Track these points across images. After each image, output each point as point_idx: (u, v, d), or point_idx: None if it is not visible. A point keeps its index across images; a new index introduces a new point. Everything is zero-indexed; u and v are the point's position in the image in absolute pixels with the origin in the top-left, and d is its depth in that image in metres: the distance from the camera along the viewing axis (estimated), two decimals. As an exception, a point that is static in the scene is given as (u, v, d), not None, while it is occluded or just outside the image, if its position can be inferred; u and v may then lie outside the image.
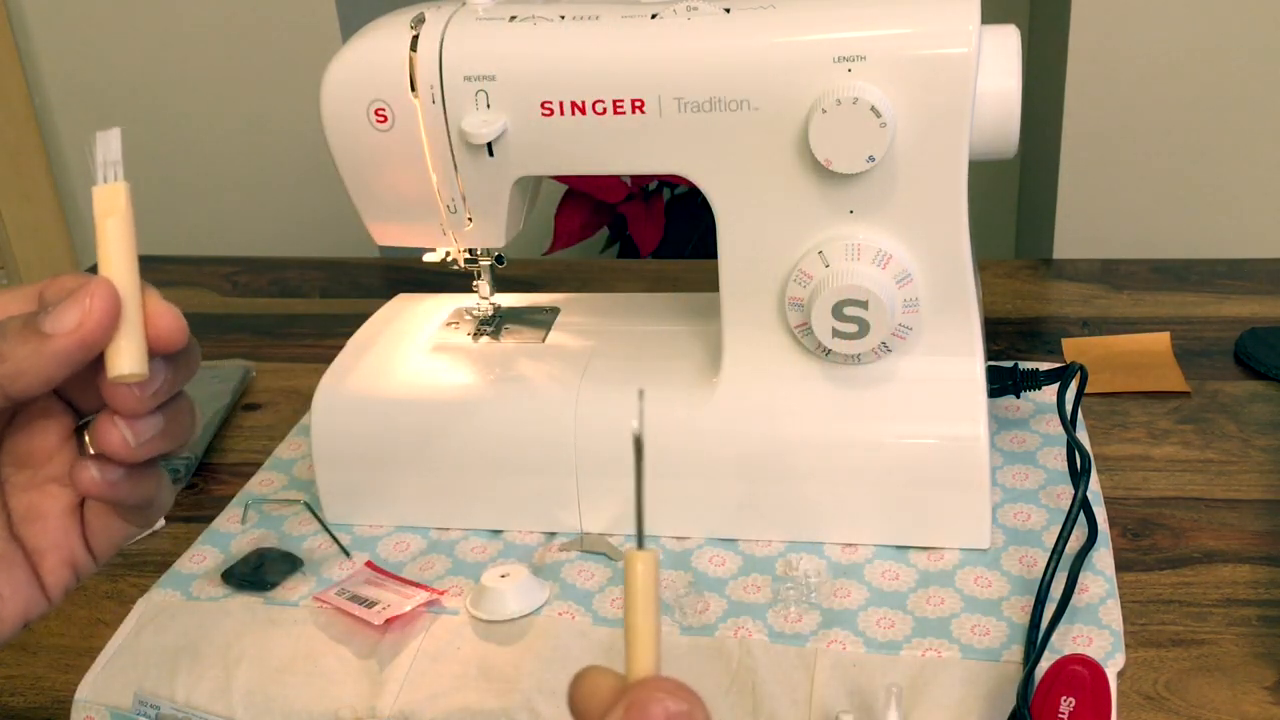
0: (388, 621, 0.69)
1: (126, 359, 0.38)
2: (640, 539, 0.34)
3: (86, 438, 0.42)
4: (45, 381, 0.38)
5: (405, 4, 0.74)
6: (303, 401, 0.93)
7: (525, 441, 0.75)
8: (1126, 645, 0.65)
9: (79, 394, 0.42)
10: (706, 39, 0.68)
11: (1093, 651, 0.64)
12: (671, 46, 0.68)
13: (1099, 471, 0.79)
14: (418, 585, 0.72)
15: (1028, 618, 0.67)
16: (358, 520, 0.79)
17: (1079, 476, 0.73)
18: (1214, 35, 1.40)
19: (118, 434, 0.40)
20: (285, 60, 1.71)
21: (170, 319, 0.39)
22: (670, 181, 1.78)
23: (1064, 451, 0.80)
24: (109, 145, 0.38)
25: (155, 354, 0.39)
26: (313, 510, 0.80)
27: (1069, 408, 0.78)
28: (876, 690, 0.63)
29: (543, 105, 0.69)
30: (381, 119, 0.71)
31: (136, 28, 1.73)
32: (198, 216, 1.85)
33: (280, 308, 1.12)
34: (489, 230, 0.75)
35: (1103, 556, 0.71)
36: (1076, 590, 0.68)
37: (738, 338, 0.74)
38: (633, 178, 1.73)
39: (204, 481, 0.86)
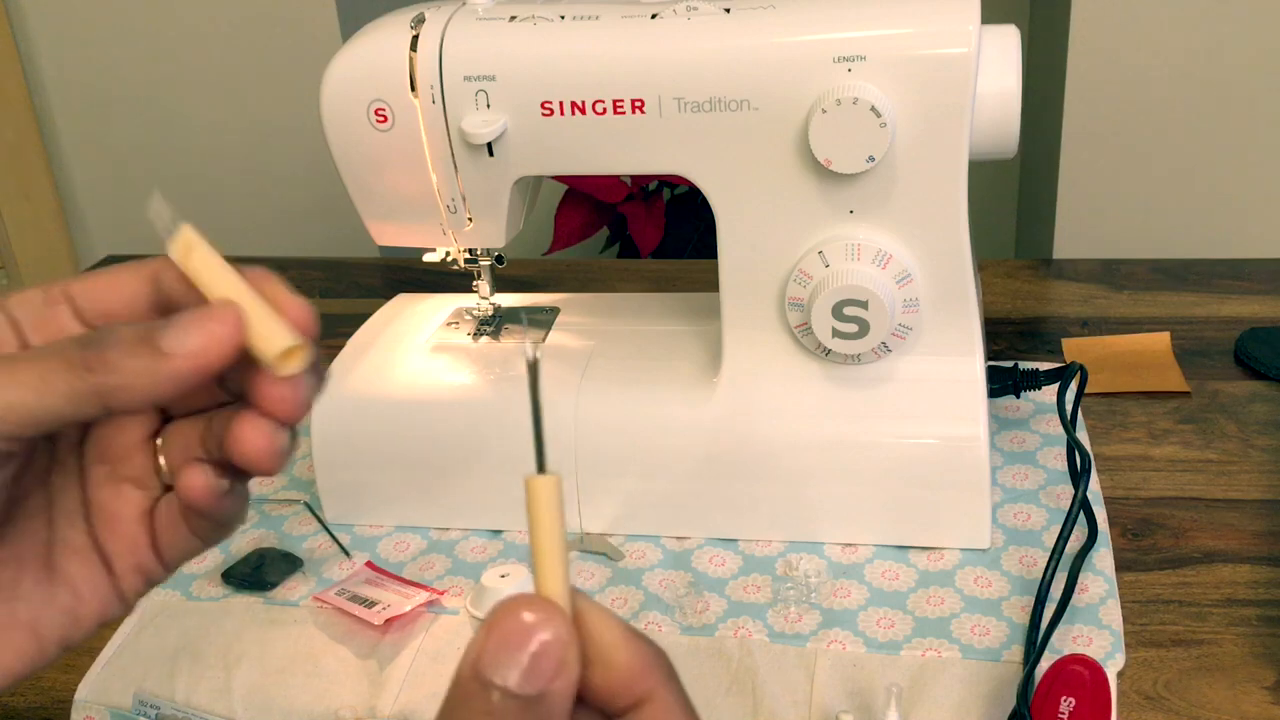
0: (388, 621, 0.69)
1: (279, 336, 0.35)
2: (541, 464, 0.34)
3: (159, 443, 0.39)
4: (152, 400, 0.35)
5: (405, 4, 0.74)
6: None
7: (525, 441, 0.75)
8: (1126, 645, 0.65)
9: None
10: (706, 39, 0.68)
11: (1093, 651, 0.64)
12: (671, 46, 0.68)
13: (1099, 471, 0.79)
14: (418, 585, 0.72)
15: (1028, 618, 0.67)
16: (358, 520, 0.79)
17: (1079, 476, 0.73)
18: (1214, 36, 1.40)
19: (264, 439, 0.36)
20: (285, 60, 1.71)
21: (301, 306, 0.36)
22: (670, 181, 1.78)
23: (1064, 451, 0.80)
24: (159, 212, 0.36)
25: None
26: (313, 510, 0.80)
27: (1069, 408, 0.78)
28: (876, 690, 0.63)
29: (543, 105, 0.69)
30: (381, 119, 0.71)
31: (136, 28, 1.73)
32: (198, 216, 1.85)
33: (280, 308, 1.12)
34: (489, 230, 0.75)
35: (1103, 556, 0.71)
36: (1076, 590, 0.68)
37: (738, 338, 0.74)
38: (633, 178, 1.73)
39: (204, 481, 0.86)
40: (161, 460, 0.39)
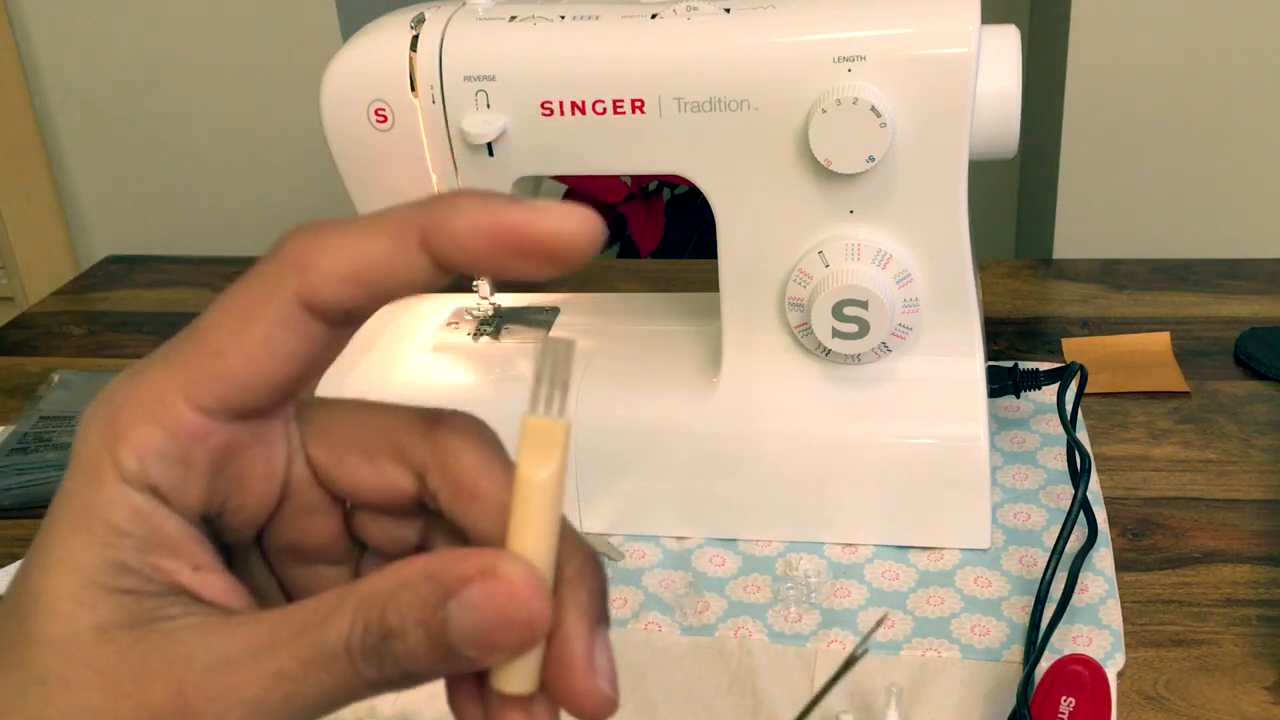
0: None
1: (518, 677, 0.28)
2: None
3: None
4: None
5: (405, 4, 0.74)
6: (303, 401, 0.93)
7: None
8: (1126, 645, 0.65)
9: None
10: (706, 39, 0.68)
11: (1093, 651, 0.64)
12: (671, 46, 0.68)
13: (1099, 471, 0.79)
14: (418, 585, 0.72)
15: (1028, 618, 0.67)
16: (358, 520, 0.79)
17: (1079, 476, 0.73)
18: (1214, 36, 1.40)
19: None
20: (285, 60, 1.71)
21: (599, 689, 0.28)
22: (670, 181, 1.78)
23: (1064, 451, 0.80)
24: (560, 360, 0.27)
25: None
26: (313, 510, 0.80)
27: (1069, 408, 0.78)
28: (876, 690, 0.63)
29: (543, 105, 0.69)
30: (381, 119, 0.71)
31: (136, 28, 1.73)
32: (198, 216, 1.86)
33: (280, 308, 1.12)
34: (489, 230, 0.75)
35: (1103, 556, 0.71)
36: (1076, 590, 0.68)
37: (738, 338, 0.74)
38: (633, 178, 1.73)
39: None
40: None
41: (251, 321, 0.28)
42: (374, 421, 0.30)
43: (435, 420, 0.30)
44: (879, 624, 0.29)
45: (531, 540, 0.27)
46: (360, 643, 0.26)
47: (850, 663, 0.30)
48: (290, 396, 0.29)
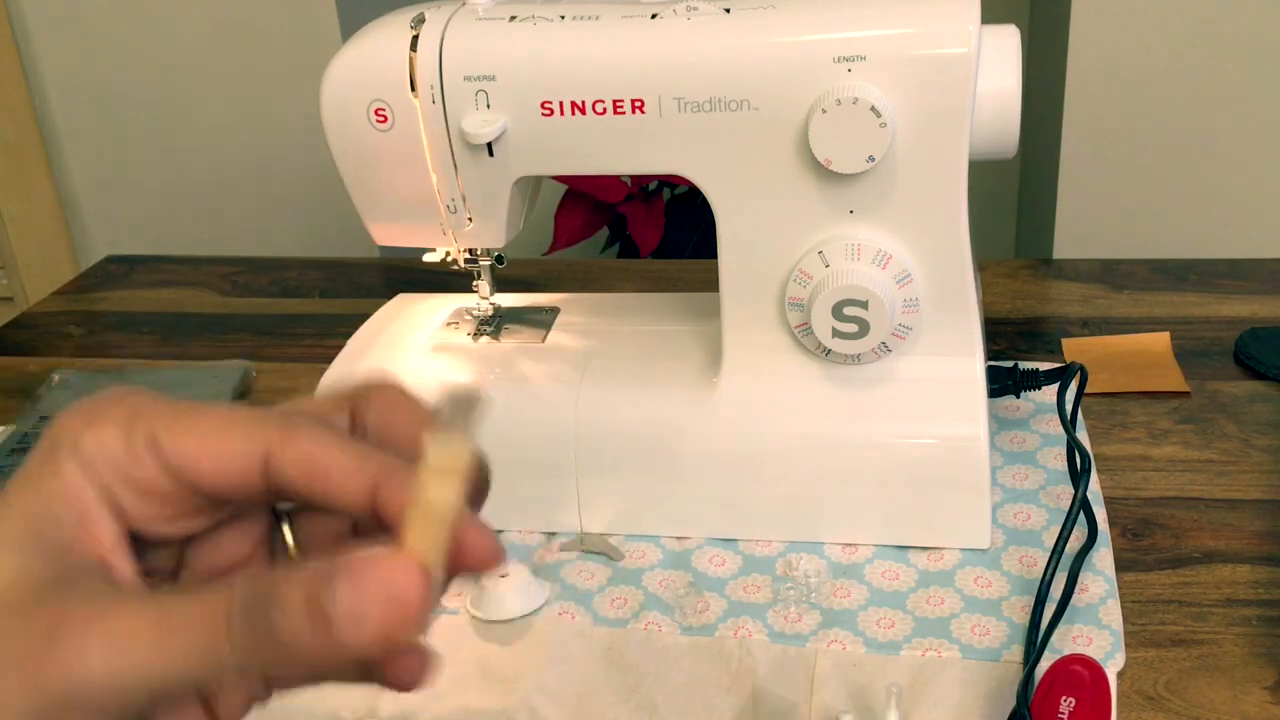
0: (388, 621, 0.69)
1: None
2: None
3: (287, 530, 0.34)
4: (323, 680, 0.31)
5: (405, 4, 0.74)
6: (303, 401, 0.93)
7: (525, 441, 0.75)
8: (1126, 645, 0.65)
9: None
10: (706, 39, 0.68)
11: (1093, 651, 0.64)
12: (671, 46, 0.68)
13: (1099, 471, 0.79)
14: (418, 585, 0.72)
15: (1028, 618, 0.67)
16: (358, 520, 0.79)
17: (1079, 476, 0.73)
18: (1214, 36, 1.40)
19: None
20: (285, 60, 1.71)
21: (488, 546, 0.31)
22: (670, 181, 1.78)
23: (1064, 451, 0.80)
24: (461, 403, 0.32)
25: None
26: (313, 510, 0.80)
27: (1069, 408, 0.78)
28: (876, 690, 0.63)
29: (543, 105, 0.69)
30: (381, 119, 0.71)
31: (136, 28, 1.73)
32: (198, 216, 1.86)
33: (280, 308, 1.12)
34: (489, 230, 0.75)
35: (1103, 556, 0.71)
36: (1076, 590, 0.68)
37: (738, 338, 0.74)
38: (633, 178, 1.73)
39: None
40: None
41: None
42: (226, 414, 0.32)
43: (282, 413, 0.32)
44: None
45: (425, 543, 0.29)
46: (241, 603, 0.28)
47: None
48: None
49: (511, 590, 0.70)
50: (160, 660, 0.28)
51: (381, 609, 0.27)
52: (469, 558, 0.30)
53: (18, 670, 0.28)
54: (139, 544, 0.32)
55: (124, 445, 0.31)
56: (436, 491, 0.30)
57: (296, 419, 0.31)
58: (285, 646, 0.28)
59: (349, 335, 0.83)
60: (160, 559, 0.34)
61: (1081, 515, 0.73)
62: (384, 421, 0.33)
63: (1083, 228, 1.52)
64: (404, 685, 0.32)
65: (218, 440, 0.31)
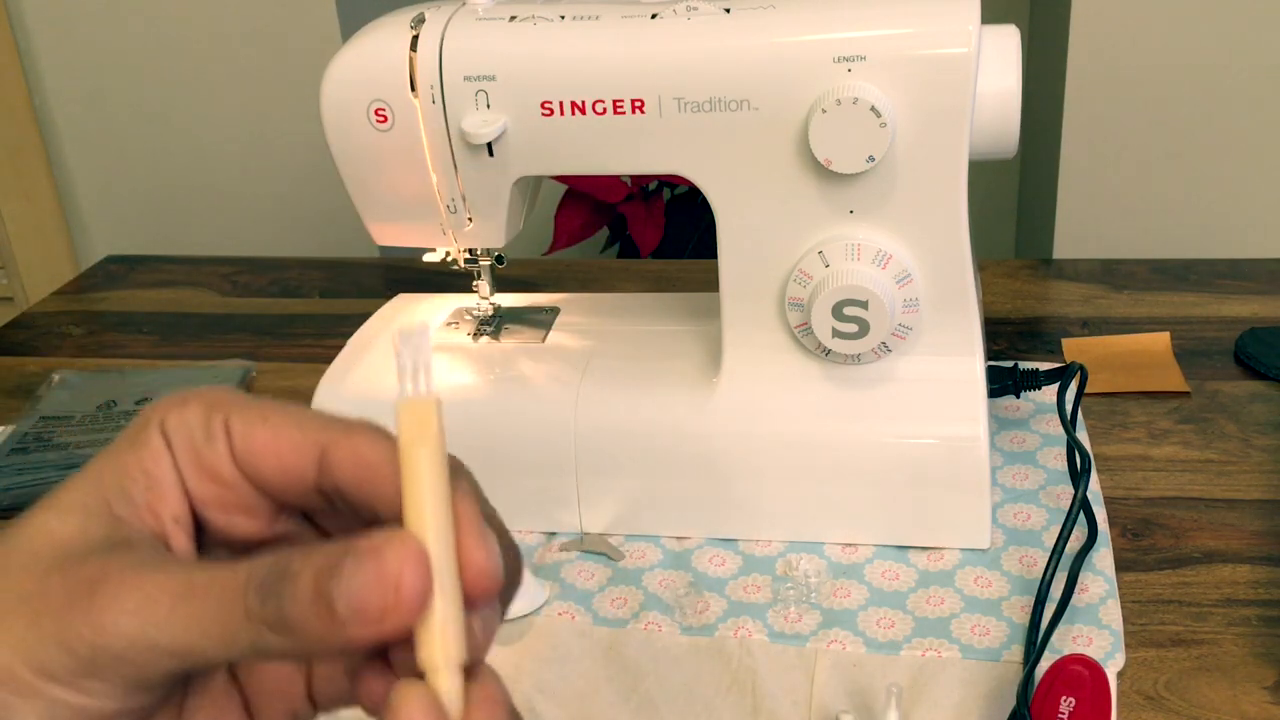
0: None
1: (440, 647, 0.29)
2: None
3: None
4: (336, 657, 0.32)
5: (405, 4, 0.74)
6: (303, 401, 0.93)
7: (525, 441, 0.75)
8: (1126, 645, 0.65)
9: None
10: (706, 39, 0.68)
11: (1093, 651, 0.64)
12: (671, 46, 0.68)
13: (1099, 471, 0.79)
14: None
15: (1028, 618, 0.67)
16: (358, 520, 0.79)
17: (1079, 476, 0.73)
18: (1214, 36, 1.40)
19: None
20: (285, 60, 1.71)
21: (487, 559, 0.30)
22: (670, 181, 1.78)
23: (1064, 451, 0.80)
24: (418, 347, 0.30)
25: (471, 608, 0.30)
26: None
27: (1069, 408, 0.78)
28: (876, 690, 0.63)
29: (543, 105, 0.69)
30: (381, 119, 0.71)
31: (136, 28, 1.73)
32: (198, 216, 1.86)
33: (280, 308, 1.12)
34: (489, 230, 0.75)
35: (1103, 556, 0.71)
36: (1076, 590, 0.68)
37: (738, 338, 0.74)
38: (633, 178, 1.73)
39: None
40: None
41: None
42: (296, 411, 0.33)
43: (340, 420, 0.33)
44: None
45: (425, 516, 0.29)
46: (260, 577, 0.29)
47: None
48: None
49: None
50: (180, 626, 0.29)
51: (379, 597, 0.28)
52: (467, 582, 0.30)
53: (55, 622, 0.29)
54: (201, 542, 0.34)
55: (203, 425, 0.32)
56: (418, 447, 0.29)
57: (356, 423, 0.32)
58: (293, 630, 0.28)
59: (349, 335, 0.83)
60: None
61: (1081, 515, 0.73)
62: (359, 467, 0.32)
63: (1083, 228, 1.53)
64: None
65: (285, 431, 0.32)
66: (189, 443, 0.32)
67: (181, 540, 0.33)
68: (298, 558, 0.29)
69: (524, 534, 0.77)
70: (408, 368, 0.30)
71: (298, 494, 0.33)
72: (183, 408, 0.33)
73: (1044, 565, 0.68)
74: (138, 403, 0.94)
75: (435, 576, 0.29)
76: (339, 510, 0.33)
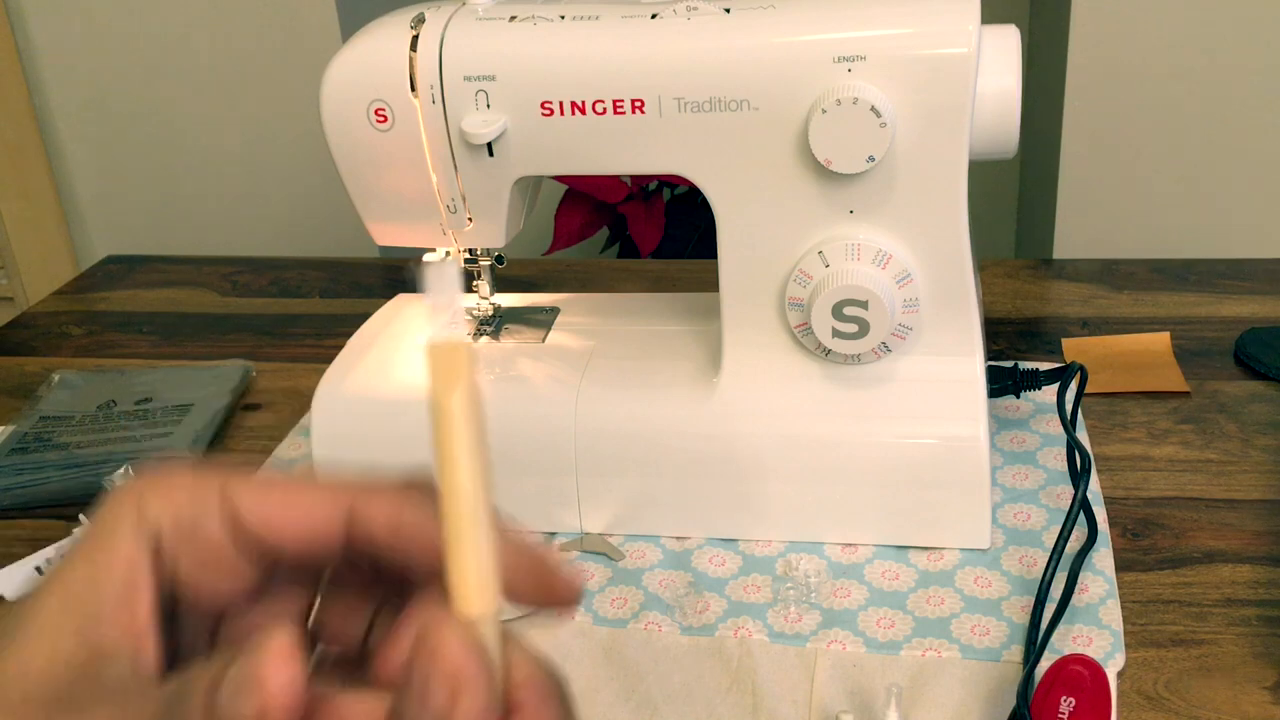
0: (388, 621, 0.69)
1: (475, 594, 0.28)
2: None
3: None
4: None
5: (405, 4, 0.74)
6: (303, 401, 0.93)
7: (525, 441, 0.75)
8: (1126, 645, 0.65)
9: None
10: (706, 39, 0.68)
11: (1093, 651, 0.64)
12: (671, 46, 0.68)
13: (1099, 471, 0.79)
14: (418, 585, 0.72)
15: (1028, 618, 0.67)
16: (358, 520, 0.79)
17: (1079, 476, 0.73)
18: (1214, 35, 1.40)
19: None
20: (285, 60, 1.71)
21: (569, 583, 0.30)
22: (670, 181, 1.78)
23: (1064, 451, 0.80)
24: (446, 282, 0.28)
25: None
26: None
27: (1069, 408, 0.78)
28: (876, 690, 0.63)
29: (543, 105, 0.69)
30: (381, 119, 0.71)
31: (136, 28, 1.73)
32: (198, 216, 1.86)
33: (280, 308, 1.12)
34: (489, 230, 0.75)
35: (1103, 556, 0.71)
36: (1076, 590, 0.68)
37: (738, 338, 0.74)
38: (633, 178, 1.73)
39: (204, 481, 0.86)
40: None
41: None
42: (299, 477, 0.32)
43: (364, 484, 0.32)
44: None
45: (459, 464, 0.28)
46: (165, 702, 0.28)
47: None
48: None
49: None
50: None
51: (255, 709, 0.27)
52: (549, 595, 0.30)
53: None
54: (175, 616, 0.33)
55: (191, 504, 0.31)
56: (450, 395, 0.29)
57: (375, 480, 0.32)
58: None
59: (349, 335, 0.83)
60: (195, 630, 0.34)
61: (1081, 515, 0.73)
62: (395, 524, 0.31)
63: (1083, 228, 1.52)
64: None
65: (301, 498, 0.31)
66: (176, 524, 0.31)
67: (150, 646, 0.31)
68: (194, 676, 0.28)
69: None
70: (437, 308, 0.29)
71: (321, 557, 0.32)
72: (159, 490, 0.31)
73: (1044, 565, 0.68)
74: (137, 403, 0.94)
75: (469, 525, 0.28)
76: (357, 566, 0.32)
